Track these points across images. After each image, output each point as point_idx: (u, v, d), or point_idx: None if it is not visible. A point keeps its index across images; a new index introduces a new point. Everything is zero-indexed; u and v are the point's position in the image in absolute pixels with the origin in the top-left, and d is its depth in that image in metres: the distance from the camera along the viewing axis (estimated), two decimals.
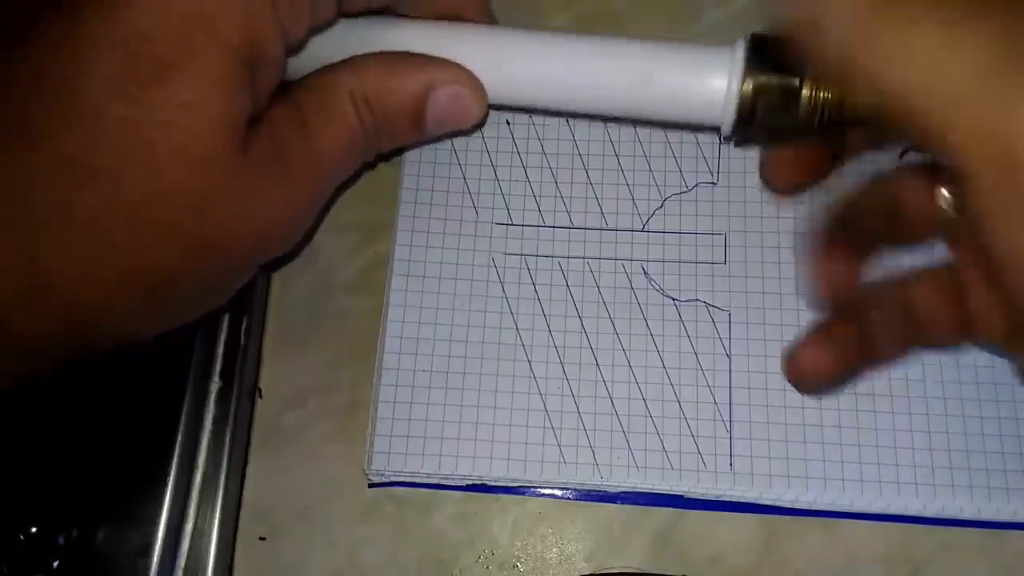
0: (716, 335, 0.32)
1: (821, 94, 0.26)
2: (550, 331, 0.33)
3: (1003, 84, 0.19)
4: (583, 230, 0.34)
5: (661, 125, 0.35)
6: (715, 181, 0.34)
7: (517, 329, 0.33)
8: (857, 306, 0.29)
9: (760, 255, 0.33)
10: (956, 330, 0.28)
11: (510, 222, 0.34)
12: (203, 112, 0.23)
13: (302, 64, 0.28)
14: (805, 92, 0.26)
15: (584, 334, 0.33)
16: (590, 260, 0.33)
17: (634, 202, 0.34)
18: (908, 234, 0.29)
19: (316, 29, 0.26)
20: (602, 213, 0.34)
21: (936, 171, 0.28)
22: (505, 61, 0.28)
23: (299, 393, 0.33)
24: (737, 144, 0.34)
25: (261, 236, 0.26)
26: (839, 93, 0.26)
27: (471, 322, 0.33)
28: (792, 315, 0.32)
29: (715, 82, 0.27)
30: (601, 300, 0.33)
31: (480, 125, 0.34)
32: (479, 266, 0.33)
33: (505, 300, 0.33)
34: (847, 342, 0.29)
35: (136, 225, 0.23)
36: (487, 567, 0.31)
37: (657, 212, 0.34)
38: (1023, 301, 0.20)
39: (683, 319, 0.33)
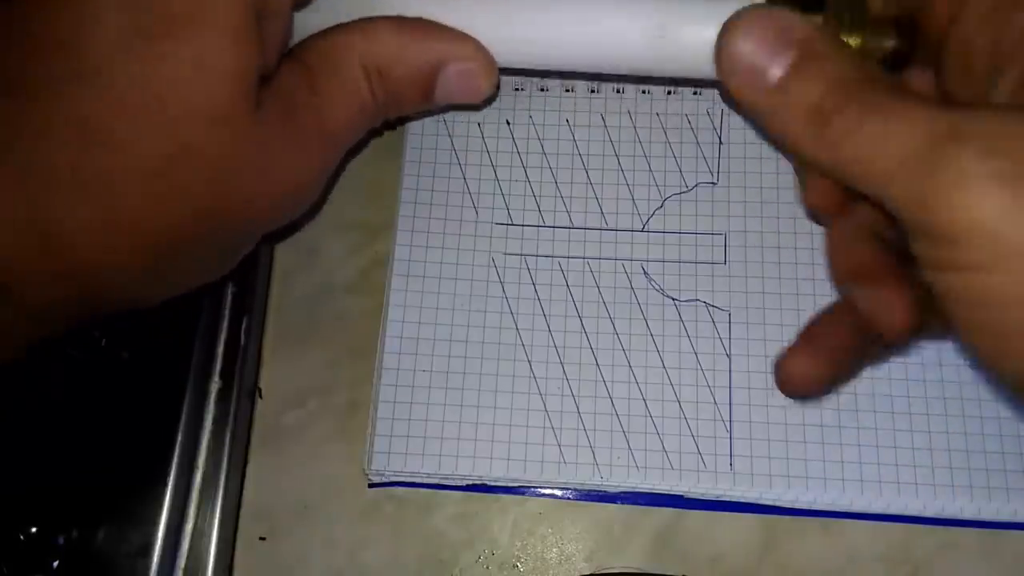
0: (716, 335, 0.32)
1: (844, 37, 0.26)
2: (550, 331, 0.33)
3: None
4: (583, 230, 0.34)
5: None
6: (715, 181, 0.34)
7: (517, 329, 0.33)
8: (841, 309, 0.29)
9: (760, 255, 0.33)
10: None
11: (510, 222, 0.34)
12: (216, 67, 0.22)
13: (307, 23, 0.27)
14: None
15: (584, 334, 0.33)
16: (590, 260, 0.33)
17: (634, 202, 0.34)
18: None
19: None
20: (602, 213, 0.34)
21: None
22: (515, 22, 0.27)
23: (299, 393, 0.33)
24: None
25: (273, 200, 0.25)
26: (863, 40, 0.26)
27: (471, 322, 0.33)
28: (792, 315, 0.32)
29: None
30: (601, 300, 0.33)
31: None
32: (479, 266, 0.33)
33: (505, 300, 0.33)
34: (834, 348, 0.29)
35: (148, 188, 0.22)
36: (487, 567, 0.31)
37: (657, 212, 0.34)
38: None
39: (683, 319, 0.33)
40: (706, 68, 0.26)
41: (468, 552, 0.31)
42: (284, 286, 0.34)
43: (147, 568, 0.29)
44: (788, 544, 0.31)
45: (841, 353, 0.28)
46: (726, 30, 0.23)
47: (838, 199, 0.28)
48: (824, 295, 0.32)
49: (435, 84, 0.27)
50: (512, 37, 0.27)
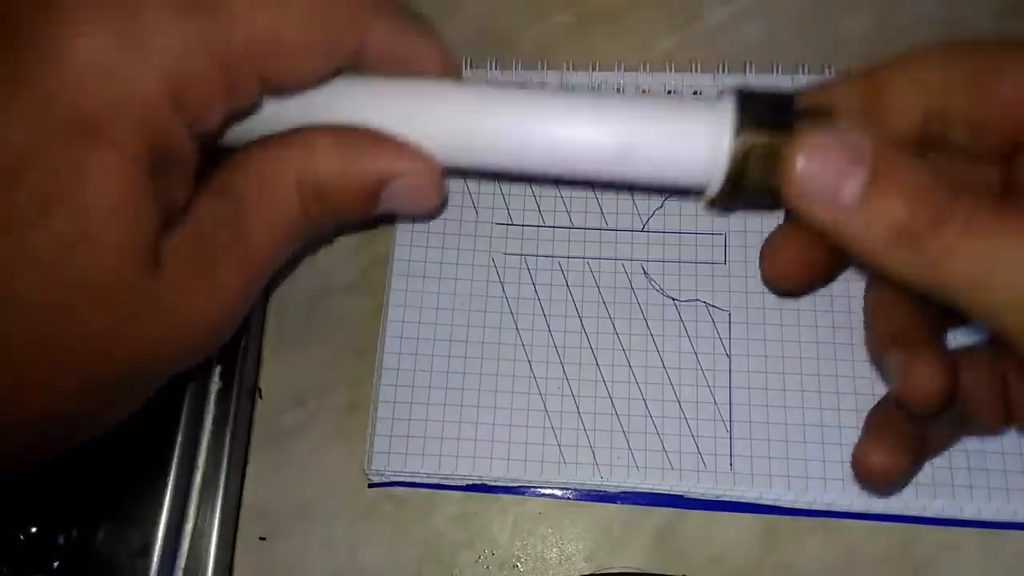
0: (716, 335, 0.32)
1: None
2: (550, 331, 0.33)
3: None
4: (583, 230, 0.34)
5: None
6: None
7: (517, 329, 0.33)
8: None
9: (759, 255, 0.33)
10: (999, 417, 0.28)
11: (510, 222, 0.34)
12: (99, 244, 0.19)
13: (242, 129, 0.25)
14: None
15: (584, 334, 0.33)
16: (590, 260, 0.33)
17: (634, 202, 0.34)
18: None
19: (235, 115, 0.23)
20: (602, 213, 0.34)
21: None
22: (471, 131, 0.25)
23: (299, 393, 0.33)
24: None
25: (183, 346, 0.23)
26: None
27: (471, 322, 0.33)
28: (792, 315, 0.32)
29: (701, 151, 0.24)
30: (601, 300, 0.33)
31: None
32: (479, 266, 0.33)
33: (505, 300, 0.33)
34: (910, 438, 0.28)
35: (21, 379, 0.20)
36: (487, 567, 0.31)
37: (657, 212, 0.34)
38: None
39: (683, 319, 0.33)
40: (677, 179, 0.25)
41: (468, 552, 0.31)
42: (284, 286, 0.34)
43: (147, 568, 0.29)
44: (788, 544, 0.31)
45: (916, 442, 0.28)
46: (789, 154, 0.22)
47: (802, 267, 0.28)
48: (824, 295, 0.32)
49: (379, 198, 0.26)
50: (464, 150, 0.26)
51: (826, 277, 0.30)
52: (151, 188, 0.20)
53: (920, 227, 0.21)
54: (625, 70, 0.35)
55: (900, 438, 0.28)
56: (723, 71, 0.35)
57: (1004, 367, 0.28)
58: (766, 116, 0.24)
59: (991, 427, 0.29)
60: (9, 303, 0.19)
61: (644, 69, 0.35)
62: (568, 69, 0.35)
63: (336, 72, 0.24)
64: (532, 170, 0.26)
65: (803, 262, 0.28)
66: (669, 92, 0.35)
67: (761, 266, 0.29)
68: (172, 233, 0.22)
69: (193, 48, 0.20)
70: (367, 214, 0.26)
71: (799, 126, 0.23)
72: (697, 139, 0.24)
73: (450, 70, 0.27)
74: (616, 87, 0.35)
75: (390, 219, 0.34)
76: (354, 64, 0.25)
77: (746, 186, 0.24)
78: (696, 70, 0.35)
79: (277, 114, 0.25)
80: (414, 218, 0.34)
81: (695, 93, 0.35)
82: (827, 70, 0.35)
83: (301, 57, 0.22)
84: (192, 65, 0.20)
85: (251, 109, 0.24)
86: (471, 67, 0.35)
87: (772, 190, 0.24)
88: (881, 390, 0.31)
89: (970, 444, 0.31)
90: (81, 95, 0.19)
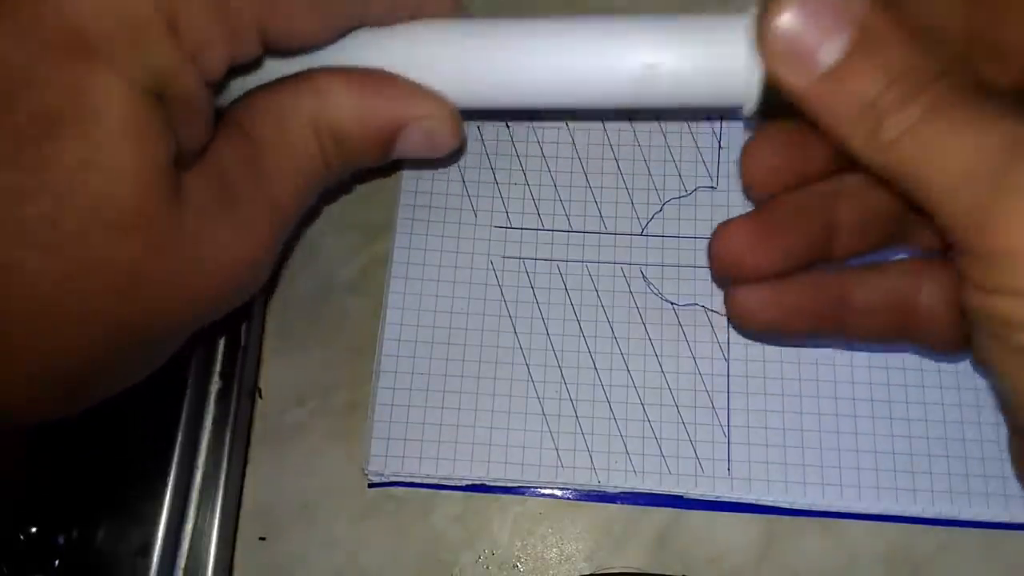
0: (715, 340, 0.32)
1: None
2: (548, 334, 0.33)
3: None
4: (582, 233, 0.34)
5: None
6: (714, 185, 0.34)
7: (515, 332, 0.33)
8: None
9: None
10: (950, 339, 0.27)
11: (509, 225, 0.34)
12: (110, 167, 0.19)
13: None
14: None
15: (582, 337, 0.33)
16: (589, 264, 0.34)
17: (633, 206, 0.34)
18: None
19: (238, 66, 0.22)
20: (601, 217, 0.34)
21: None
22: (487, 65, 0.25)
23: (299, 393, 0.33)
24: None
25: (213, 292, 0.22)
26: None
27: (469, 324, 0.33)
28: None
29: (733, 63, 0.24)
30: (600, 304, 0.33)
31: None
32: (478, 268, 0.34)
33: (503, 303, 0.33)
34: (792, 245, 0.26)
35: (44, 319, 0.19)
36: (487, 567, 0.31)
37: (656, 216, 0.34)
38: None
39: (681, 323, 0.33)
40: (702, 99, 0.25)
41: (468, 552, 0.31)
42: (284, 286, 0.34)
43: (147, 568, 0.29)
44: (788, 544, 0.31)
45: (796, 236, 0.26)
46: (774, 7, 0.21)
47: (782, 168, 0.27)
48: None
49: (395, 143, 0.25)
50: (481, 85, 0.25)
51: (804, 184, 0.28)
52: (159, 117, 0.19)
53: (886, 105, 0.20)
54: None
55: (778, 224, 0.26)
56: None
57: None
58: None
59: (941, 349, 0.28)
60: (20, 233, 0.18)
61: None
62: None
63: (340, 35, 0.24)
64: (554, 104, 0.26)
65: (781, 163, 0.27)
66: None
67: (741, 175, 0.28)
68: (191, 172, 0.21)
69: None
70: (384, 159, 0.26)
71: None
72: (729, 61, 0.24)
73: (459, 11, 0.26)
74: None
75: (390, 219, 0.34)
76: (360, 23, 0.24)
77: (782, 98, 0.23)
78: None
79: (282, 71, 0.24)
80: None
81: None
82: None
83: (301, 14, 0.22)
84: None
85: (255, 64, 0.24)
86: None
87: None
88: (883, 395, 0.31)
89: (968, 450, 0.31)
90: (74, 11, 0.18)
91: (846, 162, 0.23)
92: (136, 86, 0.19)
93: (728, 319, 0.30)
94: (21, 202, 0.18)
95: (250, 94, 0.24)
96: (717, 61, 0.24)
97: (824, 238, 0.27)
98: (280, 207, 0.24)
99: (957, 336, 0.26)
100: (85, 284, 0.19)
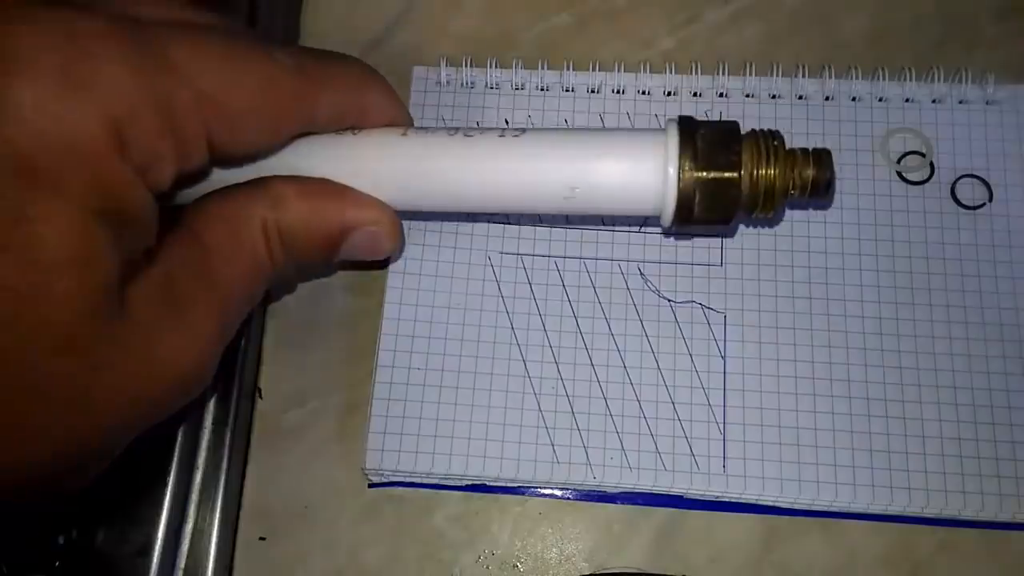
0: (711, 337, 0.32)
1: (760, 172, 0.26)
2: (546, 331, 0.33)
3: None
4: (580, 230, 0.34)
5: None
6: None
7: (513, 329, 0.33)
8: None
9: (756, 257, 0.33)
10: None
11: (507, 221, 0.34)
12: (54, 294, 0.18)
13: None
14: (744, 176, 0.26)
15: (580, 334, 0.33)
16: (586, 260, 0.33)
17: None
18: None
19: (186, 177, 0.22)
20: None
21: None
22: (425, 181, 0.27)
23: (299, 393, 0.33)
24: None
25: (157, 394, 0.22)
26: (779, 171, 0.26)
27: (467, 321, 0.33)
28: (788, 318, 0.32)
29: (647, 188, 0.26)
30: (597, 300, 0.33)
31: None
32: (476, 265, 0.34)
33: (501, 299, 0.33)
34: None
35: None
36: (487, 567, 0.31)
37: None
38: None
39: (679, 320, 0.33)
40: (625, 211, 0.27)
41: (468, 552, 0.31)
42: None
43: (147, 568, 0.29)
44: (788, 544, 0.31)
45: None
46: None
47: None
48: (820, 298, 0.32)
49: (340, 247, 0.27)
50: (417, 196, 0.27)
51: None
52: (105, 237, 0.19)
53: None
54: (625, 70, 0.35)
55: None
56: (723, 71, 0.35)
57: None
58: (708, 147, 0.26)
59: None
60: None
61: (644, 69, 0.35)
62: (568, 69, 0.35)
63: (287, 143, 0.25)
64: (485, 210, 0.28)
65: None
66: (669, 94, 0.35)
67: None
68: (138, 280, 0.21)
69: (137, 94, 0.19)
70: (329, 262, 0.27)
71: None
72: (644, 176, 0.26)
73: (403, 118, 0.28)
74: (615, 88, 0.35)
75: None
76: (307, 131, 0.26)
77: (697, 215, 0.26)
78: (696, 70, 0.35)
79: (228, 180, 0.25)
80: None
81: (694, 95, 0.35)
82: (826, 70, 0.35)
83: (248, 125, 0.22)
84: (135, 109, 0.19)
85: (202, 175, 0.25)
86: (471, 67, 0.35)
87: (724, 215, 0.26)
88: (879, 393, 0.31)
89: (964, 449, 0.31)
90: (20, 137, 0.18)
91: None
92: (85, 210, 0.19)
93: None
94: None
95: (203, 198, 0.25)
96: (632, 178, 0.26)
97: None
98: (227, 310, 0.24)
99: None
100: (26, 404, 0.19)
